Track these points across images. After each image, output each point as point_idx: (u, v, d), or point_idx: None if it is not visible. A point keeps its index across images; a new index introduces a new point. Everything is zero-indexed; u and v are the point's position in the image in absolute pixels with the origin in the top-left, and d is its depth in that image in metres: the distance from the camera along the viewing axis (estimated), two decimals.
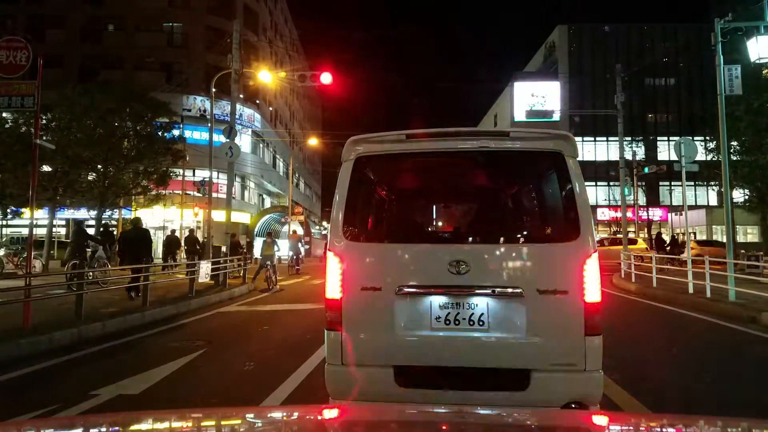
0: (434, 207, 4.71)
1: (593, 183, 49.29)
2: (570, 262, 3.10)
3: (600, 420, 1.91)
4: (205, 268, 11.45)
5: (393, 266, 3.28)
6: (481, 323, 3.13)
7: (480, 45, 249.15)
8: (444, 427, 1.71)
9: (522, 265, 3.23)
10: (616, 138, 49.50)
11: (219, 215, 38.21)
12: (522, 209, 4.21)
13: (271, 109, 43.88)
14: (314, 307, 9.79)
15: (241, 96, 38.06)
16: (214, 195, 37.92)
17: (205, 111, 35.87)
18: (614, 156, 50.91)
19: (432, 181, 4.22)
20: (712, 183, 47.72)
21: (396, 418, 1.85)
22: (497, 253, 3.27)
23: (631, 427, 1.82)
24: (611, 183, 49.25)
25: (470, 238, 3.62)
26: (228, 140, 15.38)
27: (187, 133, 35.72)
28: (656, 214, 48.39)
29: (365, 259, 3.33)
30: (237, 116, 38.36)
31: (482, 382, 3.10)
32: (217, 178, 37.77)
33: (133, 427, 1.77)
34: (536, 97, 48.79)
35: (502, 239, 3.44)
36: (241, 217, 39.19)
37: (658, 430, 1.76)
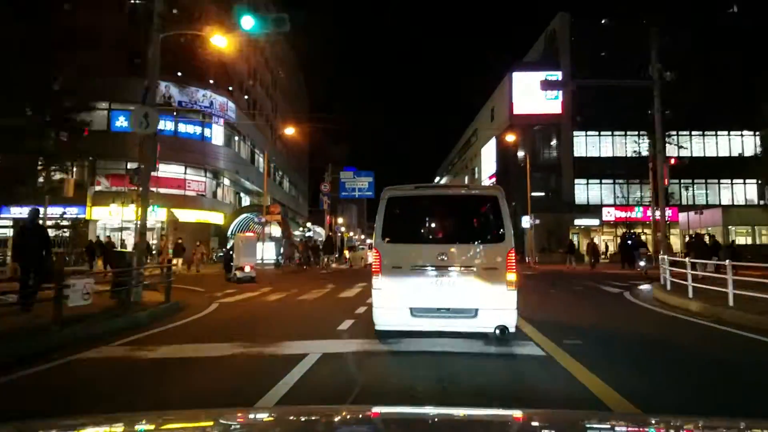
0: (431, 224, 7.11)
1: (597, 181, 45.88)
2: (500, 253, 6.29)
3: (600, 420, 2.05)
4: (80, 286, 7.69)
5: (408, 255, 6.48)
6: (453, 285, 6.31)
7: (477, 37, 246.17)
8: (443, 427, 1.84)
9: (475, 254, 6.43)
10: (622, 132, 46.23)
11: (188, 215, 34.36)
12: (476, 225, 6.98)
13: (246, 97, 40.08)
14: (238, 351, 6.16)
15: (212, 81, 34.31)
16: (182, 192, 34.00)
17: (170, 98, 32.07)
18: (620, 152, 47.56)
19: (429, 210, 7.04)
20: (736, 180, 44.56)
21: (395, 418, 2.00)
22: (463, 248, 6.48)
23: (630, 427, 1.90)
24: (616, 180, 45.87)
25: (449, 241, 6.62)
26: (144, 105, 11.45)
27: None
28: (666, 213, 44.92)
29: (393, 251, 6.51)
30: (207, 104, 34.49)
31: (454, 315, 6.27)
32: (185, 173, 34.00)
33: (133, 428, 1.79)
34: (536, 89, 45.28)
35: (465, 241, 6.56)
36: (214, 218, 35.40)
37: (657, 430, 1.84)
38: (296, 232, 46.76)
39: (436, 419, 1.93)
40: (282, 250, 30.66)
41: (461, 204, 7.00)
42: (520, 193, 41.71)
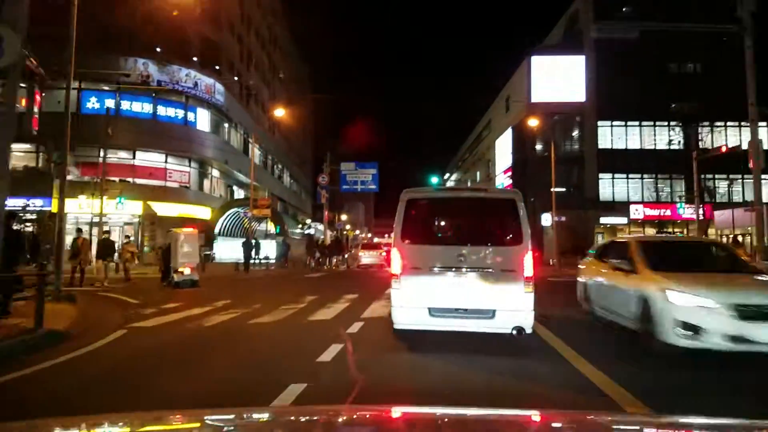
0: (449, 226, 7.24)
1: (624, 175, 41.81)
2: (517, 255, 6.33)
3: (600, 420, 1.97)
4: None
5: (427, 256, 6.50)
6: (472, 286, 6.34)
7: (489, 30, 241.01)
8: (444, 428, 1.79)
9: (493, 256, 6.48)
10: (650, 122, 42.10)
11: (169, 209, 30.80)
12: (495, 227, 6.99)
13: (237, 78, 36.41)
14: None
15: (196, 60, 30.74)
16: (162, 183, 30.40)
17: (149, 77, 28.52)
18: (648, 144, 43.44)
19: (448, 212, 7.21)
20: None
21: (396, 418, 1.95)
22: (481, 250, 6.51)
23: (631, 427, 1.91)
24: (644, 175, 41.80)
25: (467, 243, 6.56)
26: None
27: (125, 104, 28.43)
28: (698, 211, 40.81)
29: (412, 252, 6.53)
30: (191, 85, 30.81)
31: (472, 315, 6.30)
32: (165, 162, 30.44)
33: (133, 427, 1.77)
34: (557, 74, 41.45)
35: (484, 243, 6.60)
36: (200, 212, 31.82)
37: (658, 430, 1.85)
38: (296, 230, 43.19)
39: (446, 419, 1.91)
40: (286, 250, 27.21)
41: (480, 207, 7.17)
42: (538, 188, 37.82)
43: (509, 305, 6.17)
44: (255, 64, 41.19)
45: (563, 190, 40.33)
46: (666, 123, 41.69)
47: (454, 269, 6.31)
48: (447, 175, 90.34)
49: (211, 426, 1.80)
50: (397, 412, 2.08)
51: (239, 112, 36.53)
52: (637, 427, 1.90)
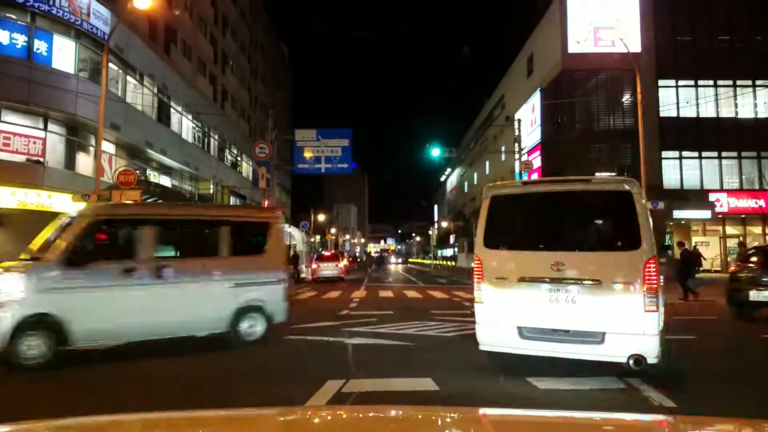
0: (543, 227, 6.05)
1: (696, 154, 30.49)
2: (634, 263, 5.06)
3: (598, 421, 1.93)
4: None
5: (515, 264, 5.63)
6: (573, 301, 5.22)
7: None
8: (445, 427, 1.78)
9: (601, 264, 5.30)
10: (728, 82, 30.67)
11: (3, 196, 19.10)
12: (603, 228, 5.98)
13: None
14: None
15: None
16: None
17: None
18: (727, 111, 32.24)
19: (541, 210, 6.01)
20: None
21: (395, 418, 1.94)
22: (585, 257, 5.43)
23: (632, 428, 1.85)
24: (723, 153, 30.48)
25: (566, 248, 5.52)
26: None
27: None
28: None
29: (497, 260, 5.75)
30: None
31: (575, 339, 5.19)
32: None
33: (133, 428, 1.78)
34: (601, 13, 30.29)
35: (589, 248, 5.60)
36: (67, 204, 20.19)
37: (660, 430, 1.80)
38: None
39: (447, 419, 1.86)
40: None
41: (582, 202, 5.87)
42: (576, 171, 26.45)
43: (624, 327, 5.07)
44: (188, 6, 29.78)
45: (612, 174, 29.08)
46: (750, 82, 30.51)
47: (550, 281, 5.37)
48: (448, 171, 79.44)
49: (212, 426, 1.78)
50: (396, 412, 2.12)
51: (149, 59, 25.01)
52: (638, 429, 1.85)
